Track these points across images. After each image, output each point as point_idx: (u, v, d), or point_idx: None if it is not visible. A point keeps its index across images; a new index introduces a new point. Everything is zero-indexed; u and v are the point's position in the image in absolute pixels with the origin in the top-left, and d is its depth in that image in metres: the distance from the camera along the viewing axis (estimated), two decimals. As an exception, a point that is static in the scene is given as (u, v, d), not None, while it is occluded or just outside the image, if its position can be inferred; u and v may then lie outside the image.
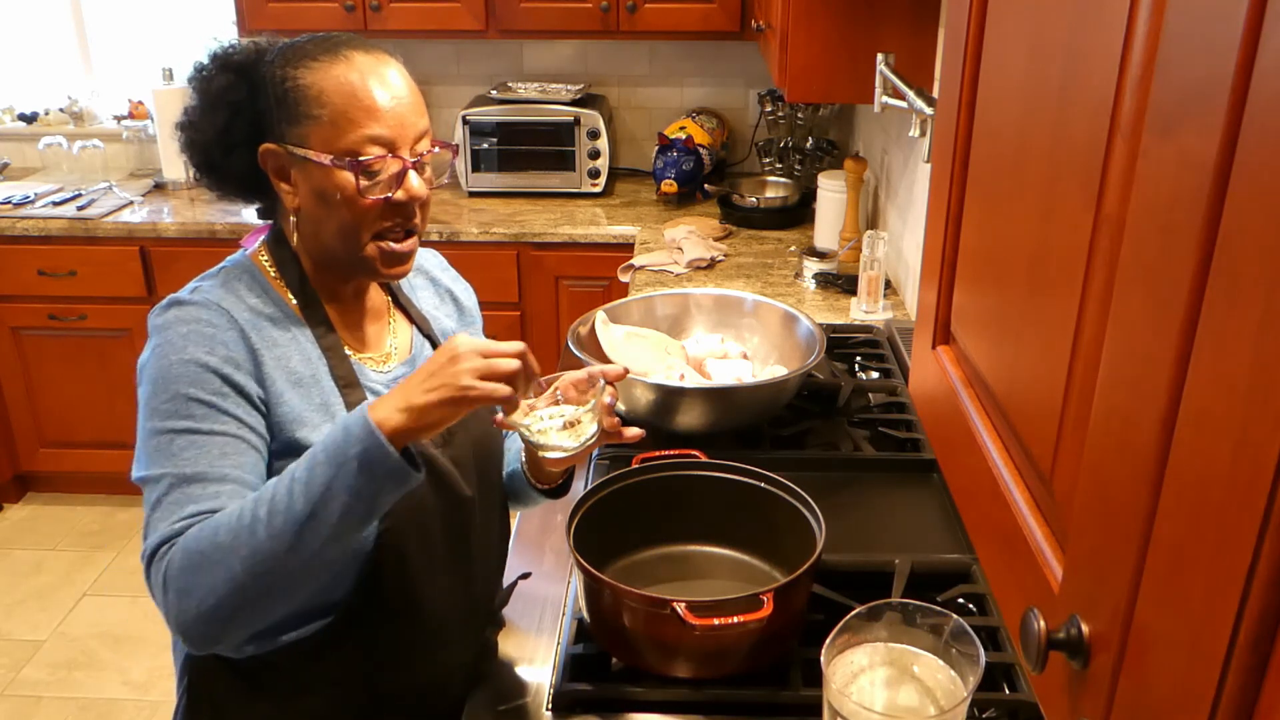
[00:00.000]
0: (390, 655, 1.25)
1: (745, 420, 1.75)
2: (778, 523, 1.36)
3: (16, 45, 3.81)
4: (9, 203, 3.29)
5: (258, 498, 1.06)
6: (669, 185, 3.25)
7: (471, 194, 3.37)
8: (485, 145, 3.30)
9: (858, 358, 2.09)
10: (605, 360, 1.74)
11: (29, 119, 3.77)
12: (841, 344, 2.12)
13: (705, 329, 1.95)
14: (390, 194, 1.18)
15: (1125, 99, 0.57)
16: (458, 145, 1.28)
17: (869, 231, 2.44)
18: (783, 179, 3.34)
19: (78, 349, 3.35)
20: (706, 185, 3.34)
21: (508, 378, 1.07)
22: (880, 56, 1.98)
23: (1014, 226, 0.75)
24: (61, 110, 3.78)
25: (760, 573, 1.39)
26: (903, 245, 2.52)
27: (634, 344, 1.82)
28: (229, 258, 1.27)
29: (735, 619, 1.13)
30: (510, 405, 1.10)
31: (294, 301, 1.24)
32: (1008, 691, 1.21)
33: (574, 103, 3.32)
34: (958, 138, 0.88)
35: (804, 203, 3.14)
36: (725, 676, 1.21)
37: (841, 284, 2.59)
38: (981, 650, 0.99)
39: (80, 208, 3.27)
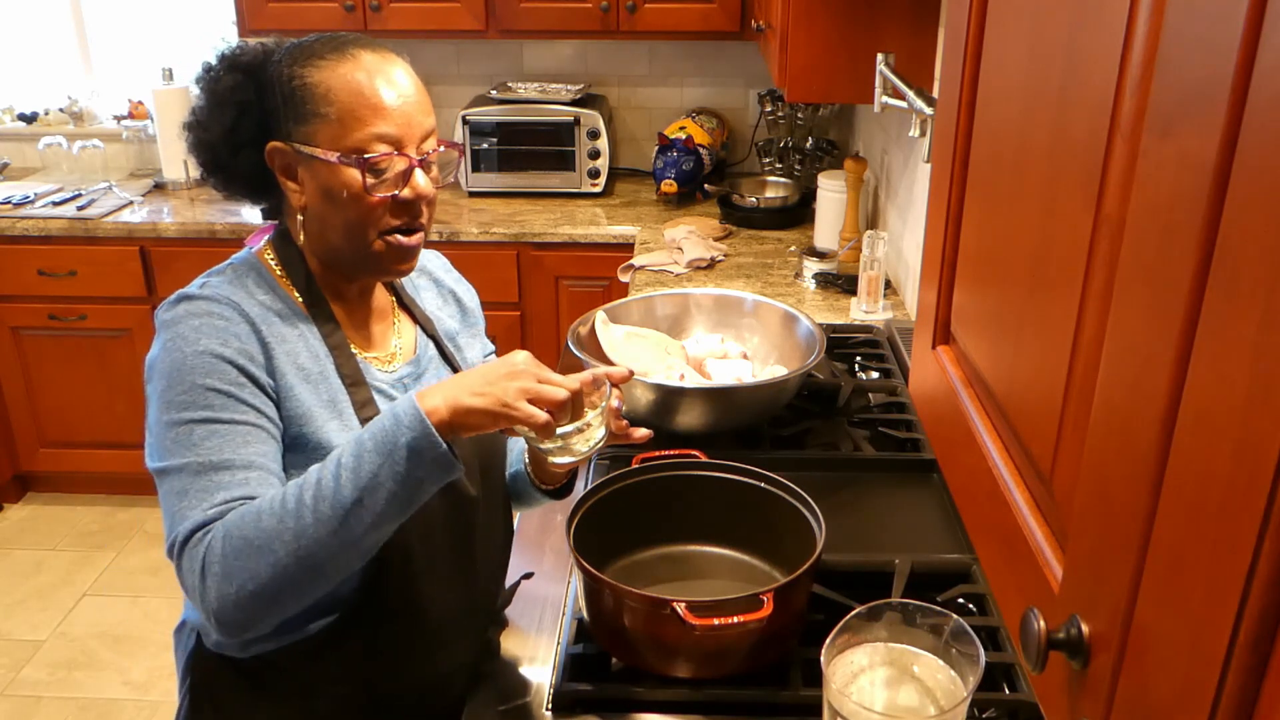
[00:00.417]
0: (393, 655, 1.25)
1: (745, 420, 1.75)
2: (778, 523, 1.36)
3: (16, 45, 3.81)
4: (9, 203, 3.29)
5: (301, 484, 1.07)
6: (669, 185, 3.25)
7: (471, 194, 3.37)
8: (485, 145, 3.30)
9: (858, 358, 2.09)
10: (605, 360, 1.74)
11: (29, 119, 3.77)
12: (841, 344, 2.12)
13: (705, 329, 1.95)
14: (397, 192, 1.19)
15: (1125, 99, 0.57)
16: (463, 145, 1.28)
17: (869, 231, 2.44)
18: (783, 179, 3.34)
19: (78, 349, 3.35)
20: (706, 185, 3.34)
21: (553, 406, 1.08)
22: (880, 56, 1.98)
23: (1014, 226, 0.75)
24: (61, 110, 3.78)
25: (760, 573, 1.39)
26: (903, 245, 2.52)
27: (634, 344, 1.82)
28: (235, 255, 1.28)
29: (735, 619, 1.13)
30: (544, 432, 1.10)
31: (300, 300, 1.25)
32: (1008, 691, 1.21)
33: (574, 103, 3.32)
34: (958, 138, 0.88)
35: (804, 203, 3.14)
36: (725, 676, 1.21)
37: (841, 284, 2.59)
38: (981, 650, 0.99)
39: (80, 208, 3.27)
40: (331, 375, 1.22)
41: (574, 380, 1.11)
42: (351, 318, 1.30)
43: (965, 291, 0.89)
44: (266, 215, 1.31)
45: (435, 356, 1.37)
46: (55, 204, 3.30)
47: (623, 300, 1.94)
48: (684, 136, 3.30)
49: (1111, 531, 0.55)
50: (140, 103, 3.74)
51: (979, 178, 0.85)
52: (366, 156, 1.17)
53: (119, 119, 3.75)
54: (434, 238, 3.05)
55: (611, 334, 1.81)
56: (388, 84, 1.19)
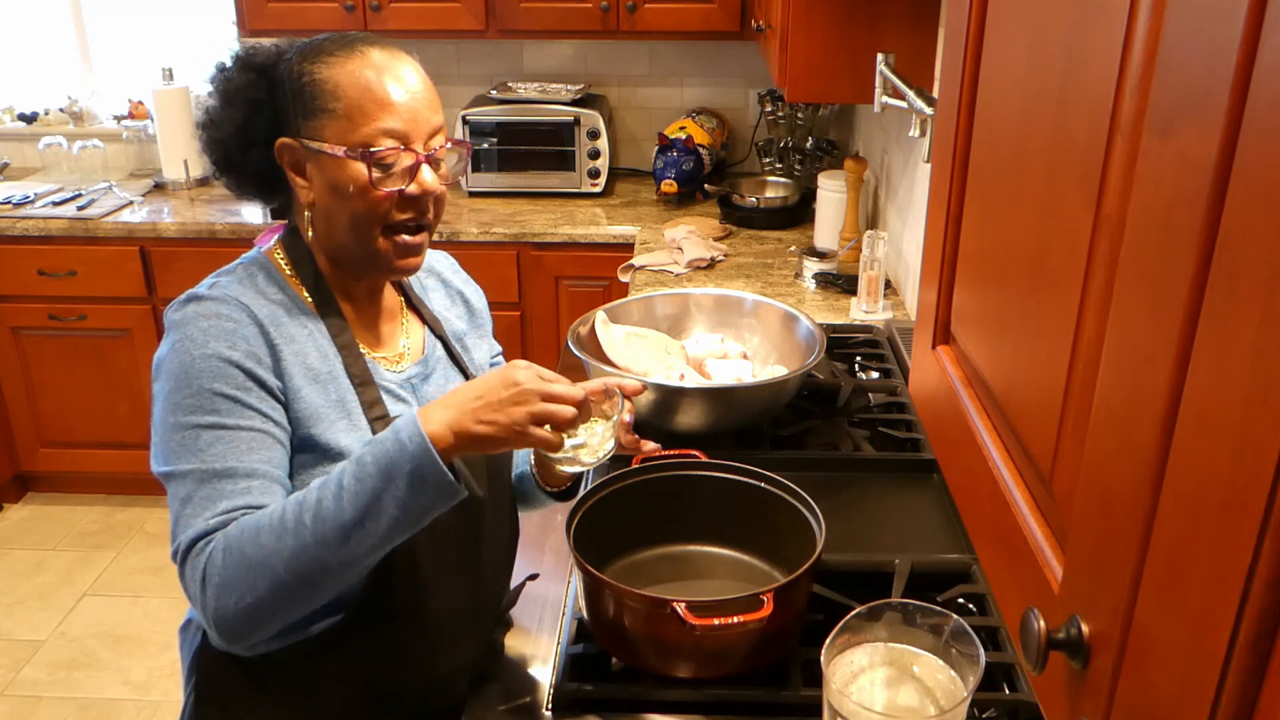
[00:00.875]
0: (398, 654, 1.25)
1: (745, 420, 1.75)
2: (778, 523, 1.36)
3: (16, 45, 3.81)
4: (9, 203, 3.29)
5: (302, 501, 1.07)
6: (669, 185, 3.25)
7: (471, 194, 3.38)
8: (485, 145, 3.30)
9: (858, 358, 2.09)
10: (605, 361, 1.74)
11: (29, 119, 3.77)
12: (841, 344, 2.12)
13: (705, 329, 1.95)
14: (403, 187, 1.19)
15: (1125, 99, 0.57)
16: (470, 143, 1.29)
17: (869, 231, 2.44)
18: (783, 179, 3.34)
19: (78, 349, 3.35)
20: (706, 185, 3.34)
21: (563, 425, 1.09)
22: (880, 56, 1.98)
23: (1014, 226, 0.75)
24: (61, 110, 3.78)
25: (760, 573, 1.39)
26: (903, 245, 2.52)
27: (634, 344, 1.82)
28: (245, 255, 1.28)
29: (735, 619, 1.13)
30: (551, 447, 1.11)
31: (309, 299, 1.25)
32: (1008, 691, 1.21)
33: (574, 103, 3.32)
34: (958, 138, 0.88)
35: (804, 203, 3.14)
36: (725, 676, 1.21)
37: (841, 284, 2.59)
38: (981, 650, 0.99)
39: (80, 208, 3.27)
40: (340, 375, 1.23)
41: (579, 390, 1.11)
42: (360, 317, 1.30)
43: (965, 291, 0.89)
44: (276, 215, 1.31)
45: (443, 357, 1.37)
46: (55, 204, 3.30)
47: (623, 300, 1.94)
48: (684, 136, 3.30)
49: (1111, 531, 0.55)
50: (140, 103, 3.74)
51: (979, 178, 0.85)
52: (372, 150, 1.17)
53: (119, 119, 3.75)
54: (435, 237, 3.05)
55: (611, 334, 1.81)
56: (395, 80, 1.19)
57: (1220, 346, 0.44)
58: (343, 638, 1.21)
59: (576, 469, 1.27)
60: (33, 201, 3.32)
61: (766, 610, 1.13)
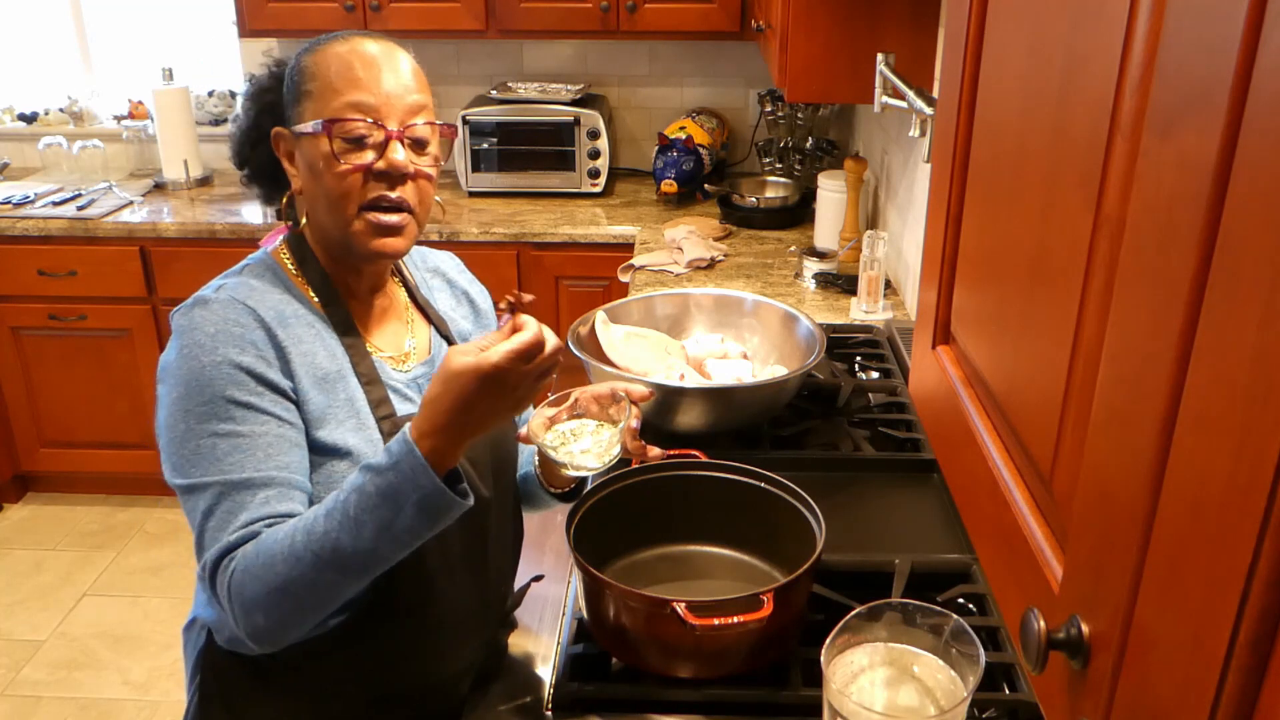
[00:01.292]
0: (403, 654, 1.25)
1: (745, 420, 1.75)
2: (778, 523, 1.36)
3: (16, 45, 3.81)
4: (9, 203, 3.29)
5: (310, 529, 1.07)
6: (669, 185, 3.25)
7: (471, 194, 3.38)
8: (485, 145, 3.30)
9: (858, 358, 2.09)
10: (605, 361, 1.74)
11: (29, 119, 3.77)
12: (841, 344, 2.12)
13: (705, 329, 1.95)
14: (369, 162, 1.18)
15: (1125, 99, 0.57)
16: (455, 126, 1.27)
17: (869, 231, 2.44)
18: (783, 179, 3.34)
19: (78, 349, 3.35)
20: (706, 185, 3.34)
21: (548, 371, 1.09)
22: (880, 56, 1.98)
23: (1014, 226, 0.75)
24: (61, 110, 3.78)
25: (760, 573, 1.39)
26: (903, 245, 2.52)
27: (634, 344, 1.82)
28: (251, 256, 1.28)
29: (735, 619, 1.13)
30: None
31: (315, 299, 1.25)
32: (1008, 691, 1.21)
33: (574, 103, 3.32)
34: (958, 138, 0.88)
35: (804, 203, 3.14)
36: (725, 676, 1.21)
37: (841, 284, 2.59)
38: (981, 650, 0.99)
39: (80, 208, 3.27)
40: (349, 374, 1.22)
41: (548, 350, 1.06)
42: (365, 317, 1.30)
43: (965, 291, 0.89)
44: (280, 215, 1.31)
45: None
46: (55, 204, 3.30)
47: (623, 300, 1.94)
48: (684, 136, 3.30)
49: (1111, 531, 0.55)
50: (140, 103, 3.75)
51: (979, 178, 0.85)
52: (331, 120, 1.17)
53: (119, 119, 3.75)
54: (434, 237, 3.05)
55: (611, 334, 1.81)
56: (369, 58, 1.19)
57: (1220, 346, 0.44)
58: (348, 638, 1.21)
59: (582, 474, 1.27)
60: (33, 201, 3.32)
61: (766, 610, 1.13)
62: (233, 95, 3.73)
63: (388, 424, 1.22)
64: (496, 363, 1.02)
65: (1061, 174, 0.66)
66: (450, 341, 1.37)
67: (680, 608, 1.12)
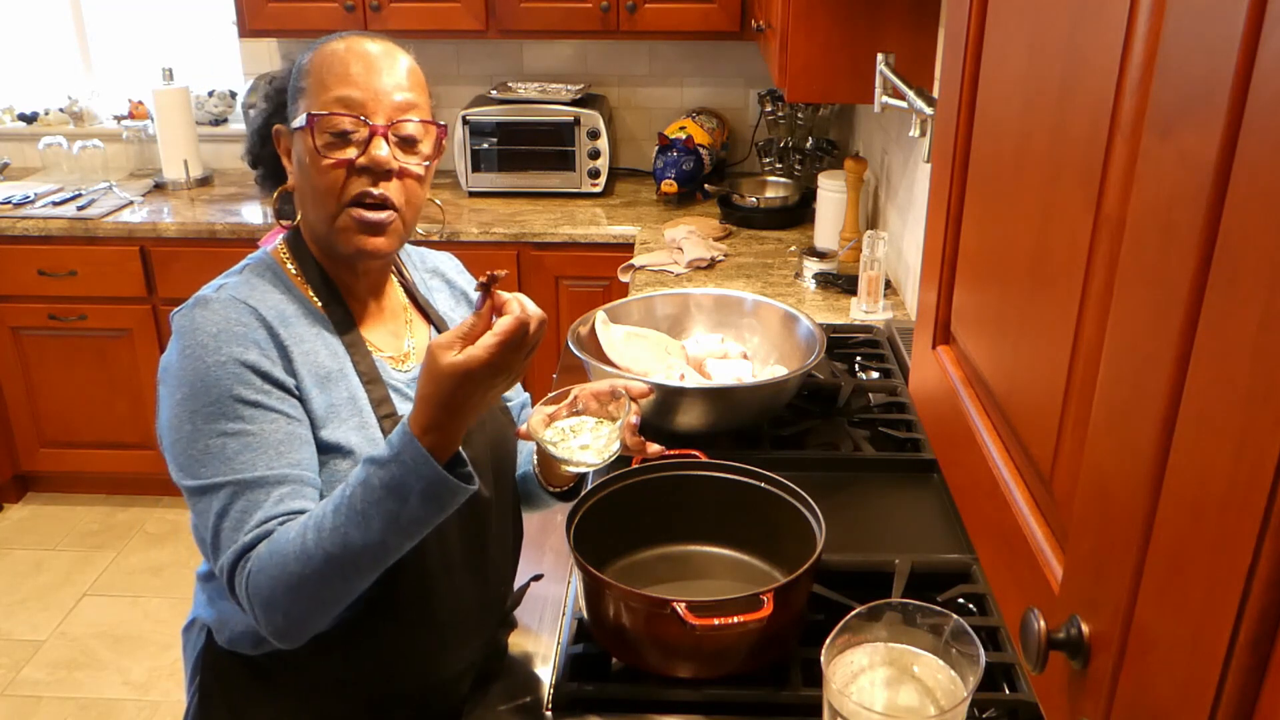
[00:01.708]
0: (403, 654, 1.25)
1: (745, 420, 1.75)
2: (778, 523, 1.36)
3: (16, 45, 3.81)
4: (9, 203, 3.29)
5: (319, 525, 1.07)
6: (669, 185, 3.25)
7: (471, 194, 3.38)
8: (485, 145, 3.30)
9: (858, 358, 2.09)
10: (605, 361, 1.74)
11: (29, 119, 3.77)
12: (841, 344, 2.12)
13: (705, 329, 1.95)
14: (351, 157, 1.18)
15: (1125, 99, 0.57)
16: (445, 125, 1.26)
17: (869, 231, 2.44)
18: (783, 179, 3.34)
19: (78, 349, 3.35)
20: (706, 185, 3.34)
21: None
22: (880, 56, 1.98)
23: (1014, 226, 0.75)
24: (61, 110, 3.78)
25: (760, 573, 1.39)
26: (903, 245, 2.52)
27: (634, 344, 1.82)
28: (250, 255, 1.28)
29: (735, 619, 1.13)
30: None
31: (315, 299, 1.25)
32: (1008, 691, 1.21)
33: (574, 103, 3.32)
34: (958, 138, 0.88)
35: (804, 203, 3.14)
36: (725, 676, 1.21)
37: (841, 284, 2.59)
38: (981, 650, 0.99)
39: (80, 208, 3.27)
40: (350, 373, 1.22)
41: (528, 333, 1.05)
42: (365, 317, 1.30)
43: (965, 291, 0.89)
44: (277, 212, 1.31)
45: None
46: (55, 204, 3.30)
47: (623, 300, 1.94)
48: (684, 136, 3.30)
49: (1111, 531, 0.55)
50: (140, 103, 3.74)
51: (979, 178, 0.85)
52: (314, 114, 1.17)
53: (119, 119, 3.75)
54: (434, 237, 3.05)
55: (611, 334, 1.81)
56: (362, 54, 1.19)
57: (1220, 346, 0.44)
58: (349, 638, 1.21)
59: (581, 470, 1.28)
60: (33, 201, 3.32)
61: (766, 610, 1.13)
62: (233, 95, 3.73)
63: (389, 423, 1.22)
64: (485, 359, 1.02)
65: (1061, 174, 0.66)
66: None
67: (680, 608, 1.12)
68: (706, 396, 1.67)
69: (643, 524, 1.40)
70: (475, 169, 3.33)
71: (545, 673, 1.32)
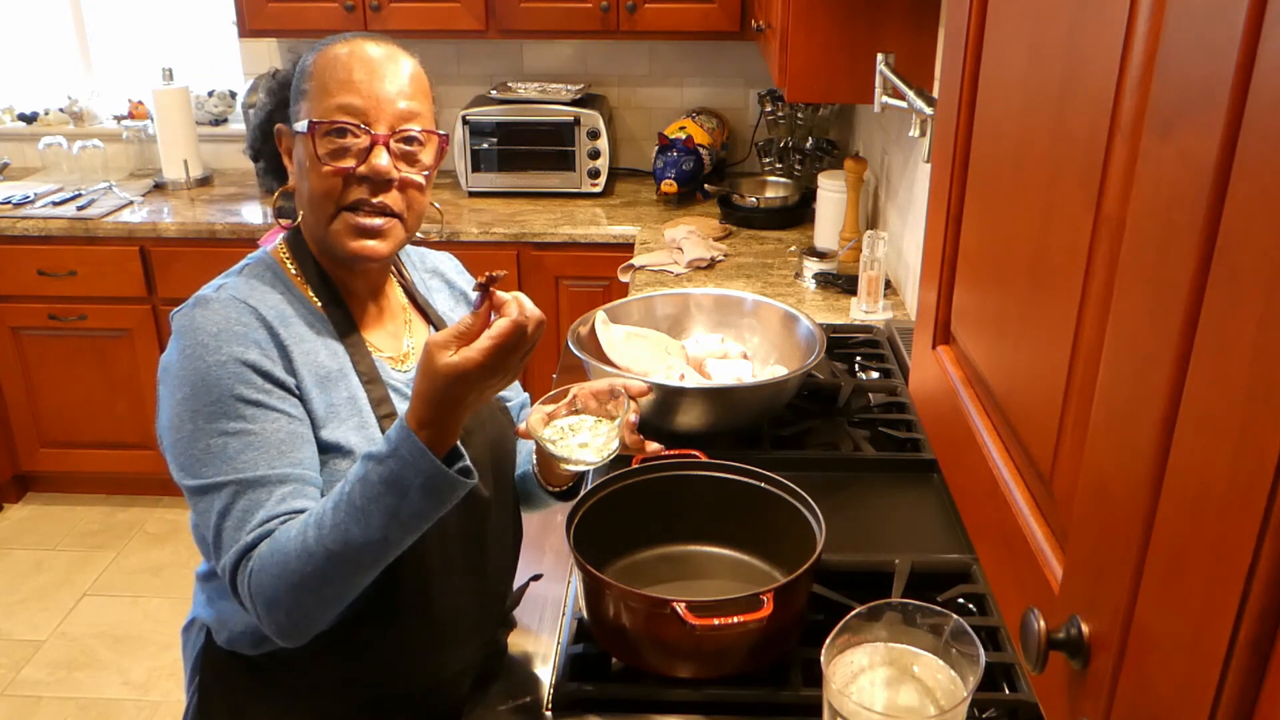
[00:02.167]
0: (403, 654, 1.25)
1: (745, 420, 1.75)
2: (778, 523, 1.36)
3: (16, 45, 3.81)
4: (9, 203, 3.29)
5: (320, 523, 1.07)
6: (669, 185, 3.25)
7: (471, 194, 3.38)
8: (485, 145, 3.30)
9: (858, 358, 2.09)
10: (605, 361, 1.74)
11: (29, 119, 3.77)
12: (841, 344, 2.12)
13: (705, 329, 1.95)
14: (351, 166, 1.18)
15: (1125, 99, 0.57)
16: (447, 134, 1.26)
17: (869, 231, 2.44)
18: (783, 179, 3.34)
19: (78, 349, 3.35)
20: (706, 185, 3.34)
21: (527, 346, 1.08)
22: (880, 56, 1.98)
23: (1014, 226, 0.75)
24: (61, 110, 3.78)
25: (760, 573, 1.39)
26: (903, 245, 2.52)
27: (634, 344, 1.82)
28: (250, 255, 1.28)
29: (735, 619, 1.13)
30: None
31: (315, 298, 1.25)
32: (1008, 691, 1.21)
33: (574, 103, 3.32)
34: (958, 138, 0.88)
35: (804, 203, 3.14)
36: (725, 676, 1.21)
37: (841, 284, 2.59)
38: (981, 650, 0.99)
39: (80, 208, 3.27)
40: (350, 373, 1.22)
41: (522, 331, 1.05)
42: (364, 316, 1.30)
43: (965, 291, 0.89)
44: (277, 211, 1.31)
45: None
46: (55, 204, 3.30)
47: (623, 300, 1.94)
48: (684, 136, 3.30)
49: (1111, 531, 0.55)
50: (140, 103, 3.74)
51: (979, 178, 0.85)
52: (316, 121, 1.17)
53: (119, 119, 3.75)
54: (433, 237, 3.05)
55: (611, 334, 1.81)
56: (365, 61, 1.19)
57: (1220, 346, 0.44)
58: (348, 638, 1.21)
59: (580, 468, 1.28)
60: (33, 201, 3.32)
61: (766, 610, 1.13)
62: (233, 95, 3.73)
63: (388, 422, 1.22)
64: (479, 361, 1.02)
65: (1061, 174, 0.66)
66: None
67: (680, 608, 1.12)
68: (706, 396, 1.67)
69: (643, 524, 1.40)
70: (475, 169, 3.33)
71: (545, 673, 1.32)
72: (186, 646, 1.32)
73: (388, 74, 1.19)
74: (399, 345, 1.32)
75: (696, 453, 1.45)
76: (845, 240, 2.72)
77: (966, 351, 0.88)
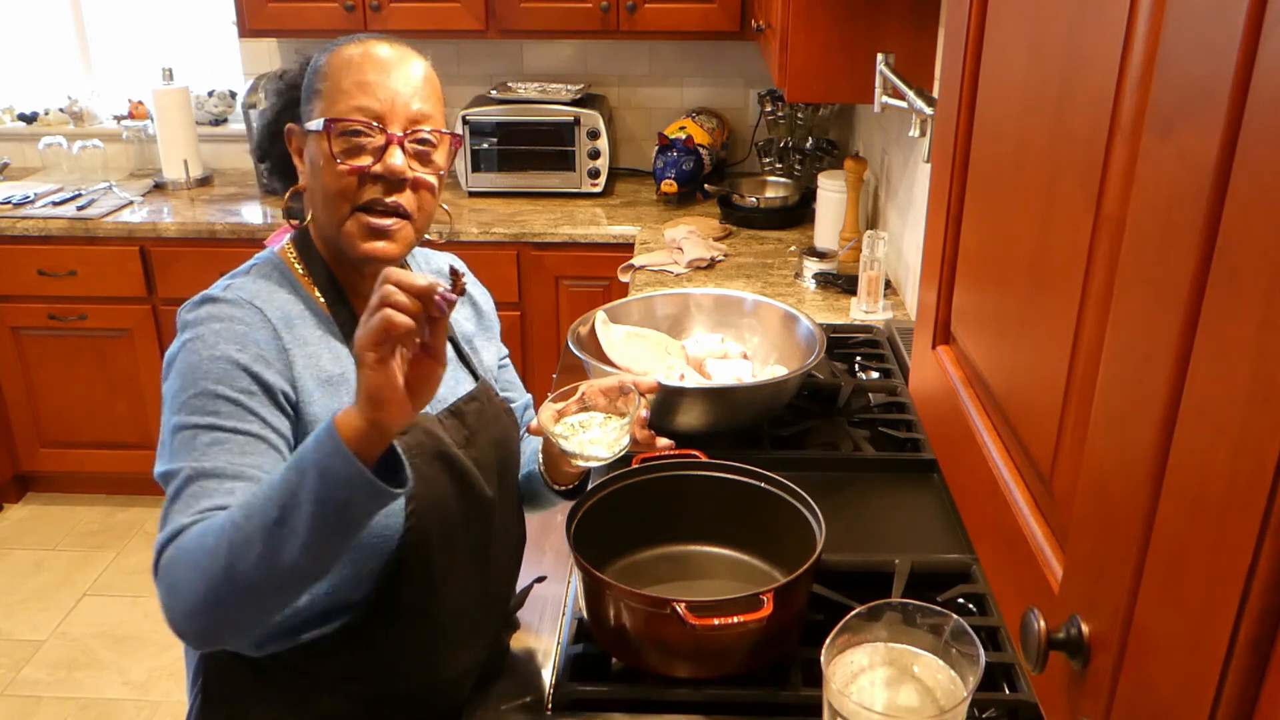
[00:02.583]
0: (407, 655, 1.25)
1: (745, 420, 1.75)
2: (778, 523, 1.36)
3: (16, 45, 3.81)
4: (9, 203, 3.29)
5: (243, 501, 1.04)
6: (669, 185, 3.25)
7: (471, 194, 3.38)
8: (485, 145, 3.30)
9: (858, 358, 2.09)
10: (605, 361, 1.74)
11: (29, 119, 3.77)
12: (841, 344, 2.12)
13: (705, 329, 1.95)
14: (366, 165, 1.18)
15: (1125, 99, 0.57)
16: (460, 136, 1.26)
17: (869, 231, 2.44)
18: (783, 179, 3.34)
19: (78, 349, 3.35)
20: (706, 185, 3.34)
21: (413, 298, 1.00)
22: (880, 56, 1.98)
23: (1014, 226, 0.75)
24: (61, 110, 3.78)
25: (760, 573, 1.39)
26: (903, 245, 2.52)
27: (634, 344, 1.82)
28: (258, 255, 1.28)
29: (735, 619, 1.13)
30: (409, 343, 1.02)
31: (321, 300, 1.25)
32: (1008, 691, 1.21)
33: (574, 103, 3.32)
34: (958, 138, 0.88)
35: (804, 203, 3.14)
36: (725, 676, 1.21)
37: (841, 284, 2.59)
38: (981, 650, 0.99)
39: (80, 208, 3.27)
40: (353, 376, 1.22)
41: (407, 296, 0.99)
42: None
43: (965, 291, 0.89)
44: (286, 211, 1.31)
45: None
46: (55, 204, 3.30)
47: (623, 300, 1.94)
48: (684, 136, 3.30)
49: (1111, 531, 0.55)
50: (140, 103, 3.74)
51: (979, 178, 0.85)
52: (331, 120, 1.17)
53: (119, 119, 3.75)
54: (433, 237, 3.05)
55: (611, 334, 1.81)
56: (380, 62, 1.20)
57: (1220, 346, 0.44)
58: (352, 638, 1.21)
59: (591, 464, 1.28)
60: (33, 201, 3.32)
61: (766, 610, 1.13)
62: (233, 95, 3.73)
63: None
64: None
65: (1061, 174, 0.66)
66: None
67: (680, 608, 1.12)
68: (706, 396, 1.67)
69: (643, 524, 1.40)
70: (475, 169, 3.33)
71: (546, 673, 1.32)
72: (188, 648, 1.32)
73: (402, 75, 1.20)
74: None
75: (696, 453, 1.45)
76: (845, 240, 2.72)
77: (966, 351, 0.88)
